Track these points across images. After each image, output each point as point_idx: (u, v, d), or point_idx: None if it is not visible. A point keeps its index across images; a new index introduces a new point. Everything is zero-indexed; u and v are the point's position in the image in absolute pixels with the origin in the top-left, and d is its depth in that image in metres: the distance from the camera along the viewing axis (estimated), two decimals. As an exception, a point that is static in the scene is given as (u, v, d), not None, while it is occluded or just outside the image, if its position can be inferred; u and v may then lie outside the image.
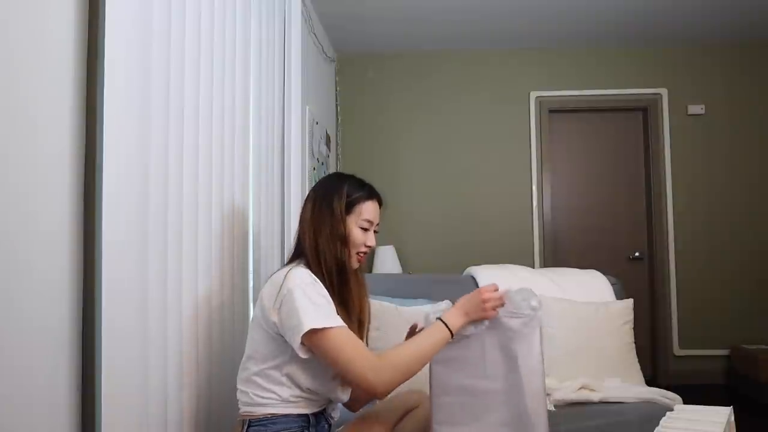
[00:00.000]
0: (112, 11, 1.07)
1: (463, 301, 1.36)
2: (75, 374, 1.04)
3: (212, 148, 1.60)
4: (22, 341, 0.92)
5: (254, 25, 2.03)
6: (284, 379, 1.30)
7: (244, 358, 1.36)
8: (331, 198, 1.40)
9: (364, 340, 1.44)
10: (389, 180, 4.04)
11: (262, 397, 1.30)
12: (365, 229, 1.42)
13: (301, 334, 1.21)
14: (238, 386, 1.35)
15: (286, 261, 1.47)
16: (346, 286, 1.39)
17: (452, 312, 1.34)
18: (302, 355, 1.24)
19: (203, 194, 1.54)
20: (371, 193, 1.46)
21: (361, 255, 1.43)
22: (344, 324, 1.26)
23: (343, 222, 1.38)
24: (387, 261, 3.74)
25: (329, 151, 3.75)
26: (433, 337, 1.30)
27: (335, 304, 1.31)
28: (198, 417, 1.47)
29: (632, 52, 4.08)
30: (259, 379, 1.31)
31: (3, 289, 0.88)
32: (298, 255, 1.41)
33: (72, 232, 1.03)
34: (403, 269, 3.87)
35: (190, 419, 1.43)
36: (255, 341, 1.34)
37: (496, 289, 1.36)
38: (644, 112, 4.12)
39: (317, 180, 1.76)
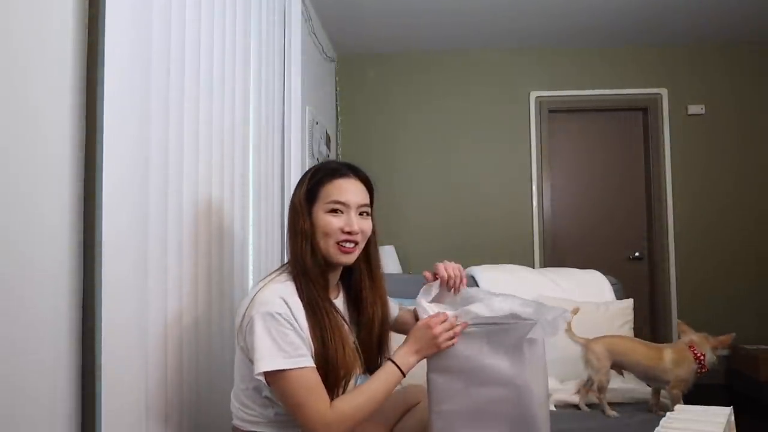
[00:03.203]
0: (112, 11, 1.07)
1: (414, 337, 1.25)
2: (75, 373, 1.04)
3: (212, 148, 1.60)
4: (22, 342, 0.92)
5: (254, 25, 2.02)
6: (266, 400, 1.22)
7: (234, 369, 1.30)
8: (294, 193, 1.28)
9: (383, 353, 1.34)
10: (389, 180, 4.05)
11: (249, 414, 1.24)
12: (338, 212, 1.23)
13: (256, 374, 1.12)
14: (231, 396, 1.30)
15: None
16: (323, 296, 1.23)
17: (404, 350, 1.24)
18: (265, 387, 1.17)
19: (203, 194, 1.54)
20: (337, 171, 1.26)
21: (345, 245, 1.23)
22: (307, 364, 1.13)
23: (303, 214, 1.23)
24: (387, 261, 3.74)
25: (329, 151, 3.75)
26: (386, 381, 1.21)
27: (314, 319, 1.19)
28: (198, 418, 1.47)
29: (632, 52, 4.08)
30: (243, 397, 1.24)
31: (3, 289, 0.88)
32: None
33: (72, 231, 1.03)
34: (403, 269, 3.87)
35: (190, 419, 1.43)
36: (236, 358, 1.26)
37: (445, 319, 1.24)
38: (644, 112, 4.12)
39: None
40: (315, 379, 1.15)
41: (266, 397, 1.22)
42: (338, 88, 4.15)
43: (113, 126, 1.08)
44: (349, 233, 1.23)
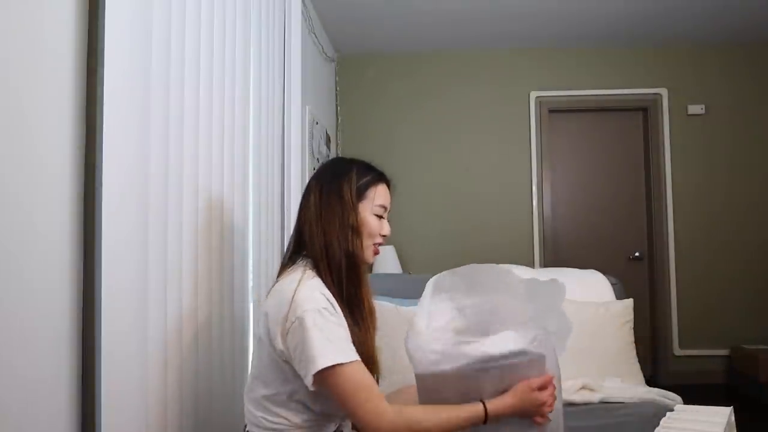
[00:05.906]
0: (111, 11, 1.07)
1: (521, 396, 1.16)
2: (75, 374, 1.04)
3: (212, 148, 1.60)
4: (22, 344, 0.92)
5: (254, 25, 2.02)
6: (296, 405, 1.18)
7: (250, 376, 1.26)
8: (340, 184, 1.25)
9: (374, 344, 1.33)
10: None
11: (272, 422, 1.18)
12: (380, 216, 1.29)
13: (313, 373, 1.08)
14: (246, 404, 1.24)
15: (284, 258, 1.31)
16: (359, 286, 1.24)
17: (502, 403, 1.16)
18: (312, 388, 1.12)
19: (203, 195, 1.54)
20: (382, 176, 1.32)
21: (377, 246, 1.29)
22: (358, 357, 1.12)
23: (355, 210, 1.24)
24: (387, 261, 3.74)
25: (329, 151, 3.75)
26: (467, 417, 1.14)
27: (347, 311, 1.19)
28: (198, 418, 1.47)
29: (632, 52, 4.08)
30: (268, 404, 1.19)
31: (3, 291, 0.88)
32: (298, 252, 1.27)
33: (72, 233, 1.03)
34: (403, 269, 3.87)
35: (189, 421, 1.43)
36: (261, 363, 1.21)
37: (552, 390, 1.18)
38: (644, 112, 4.12)
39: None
40: (368, 374, 1.13)
41: (298, 401, 1.18)
42: (338, 88, 4.15)
43: (113, 127, 1.07)
44: (384, 237, 1.30)
